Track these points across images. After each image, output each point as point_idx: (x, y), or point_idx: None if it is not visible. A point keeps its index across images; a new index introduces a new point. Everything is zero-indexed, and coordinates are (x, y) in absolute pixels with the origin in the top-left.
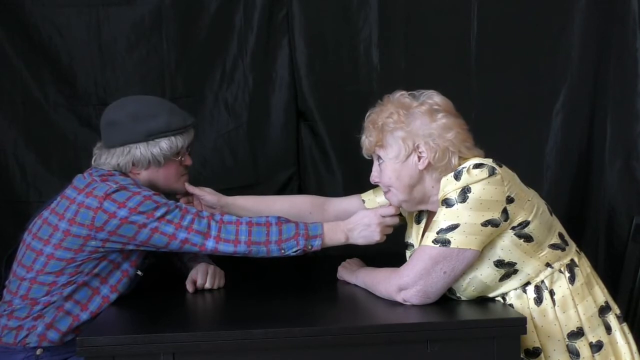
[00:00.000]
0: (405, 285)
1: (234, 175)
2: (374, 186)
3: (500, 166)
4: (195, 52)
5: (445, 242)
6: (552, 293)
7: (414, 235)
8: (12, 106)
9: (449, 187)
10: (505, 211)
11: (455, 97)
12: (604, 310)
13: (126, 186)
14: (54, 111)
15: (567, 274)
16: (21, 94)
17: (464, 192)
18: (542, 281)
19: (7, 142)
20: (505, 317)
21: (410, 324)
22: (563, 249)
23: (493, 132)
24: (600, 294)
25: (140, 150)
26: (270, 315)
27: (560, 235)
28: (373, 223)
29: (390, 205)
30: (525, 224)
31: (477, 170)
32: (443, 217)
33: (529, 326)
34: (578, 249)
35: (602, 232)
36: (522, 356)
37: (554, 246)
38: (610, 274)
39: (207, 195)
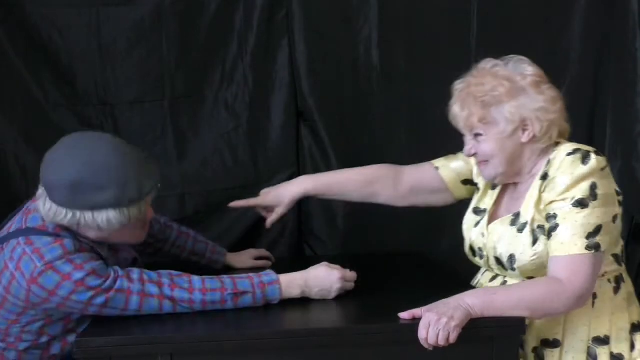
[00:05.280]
0: (583, 292)
1: (234, 175)
2: None
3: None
4: (195, 52)
5: (597, 247)
6: (594, 296)
7: (487, 200)
8: (12, 106)
9: (574, 169)
10: (620, 204)
11: None
12: (635, 328)
13: (52, 263)
14: (54, 111)
15: (614, 285)
16: (21, 94)
17: (593, 189)
18: None
19: (7, 142)
20: (504, 317)
21: (409, 324)
22: (619, 264)
23: None
24: (636, 314)
25: (85, 217)
26: (270, 315)
27: (622, 250)
28: (335, 287)
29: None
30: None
31: (601, 158)
32: (584, 219)
33: (559, 317)
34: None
35: None
36: (536, 345)
37: (615, 257)
38: None
39: (260, 200)
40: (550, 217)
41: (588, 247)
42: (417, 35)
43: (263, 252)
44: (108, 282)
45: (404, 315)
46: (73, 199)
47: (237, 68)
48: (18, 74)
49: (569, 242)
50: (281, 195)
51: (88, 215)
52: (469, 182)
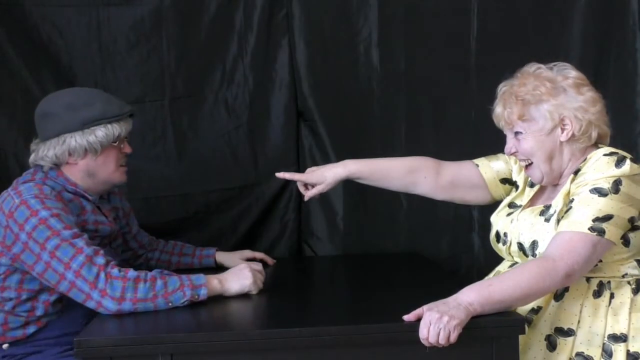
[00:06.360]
0: (572, 271)
1: (234, 175)
2: None
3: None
4: (195, 52)
5: (601, 232)
6: (612, 296)
7: (524, 198)
8: (12, 106)
9: (606, 169)
10: None
11: (455, 97)
12: None
13: (27, 200)
14: None
15: (633, 286)
16: (21, 94)
17: (617, 184)
18: (609, 282)
19: (7, 142)
20: (505, 317)
21: (409, 324)
22: None
23: (493, 132)
24: None
25: (76, 139)
26: (270, 316)
27: None
28: (244, 271)
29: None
30: (635, 227)
31: (636, 166)
32: (597, 205)
33: (575, 307)
34: None
35: None
36: (549, 333)
37: (638, 262)
38: None
39: (305, 177)
40: (569, 202)
41: (591, 229)
42: (417, 35)
43: (259, 254)
44: (67, 232)
45: (409, 317)
46: (66, 118)
47: (237, 68)
48: (18, 74)
49: (575, 221)
50: (326, 175)
51: (78, 136)
52: (507, 181)
